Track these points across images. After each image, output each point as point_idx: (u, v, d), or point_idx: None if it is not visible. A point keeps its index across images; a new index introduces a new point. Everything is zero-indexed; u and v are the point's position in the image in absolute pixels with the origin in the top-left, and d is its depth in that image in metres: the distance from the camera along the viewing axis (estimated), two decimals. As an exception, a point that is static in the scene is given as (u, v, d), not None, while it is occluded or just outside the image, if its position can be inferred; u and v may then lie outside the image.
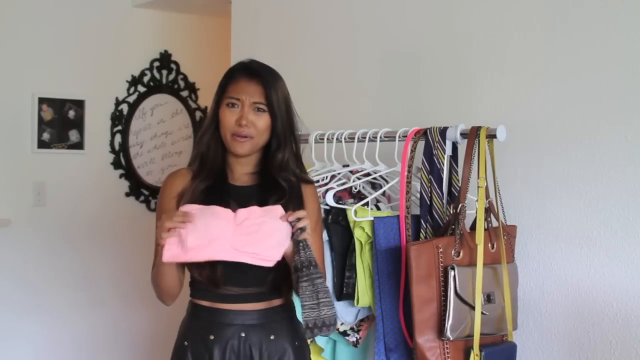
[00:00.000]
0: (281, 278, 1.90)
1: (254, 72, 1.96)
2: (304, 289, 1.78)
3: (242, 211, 1.82)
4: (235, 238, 1.79)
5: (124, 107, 4.23)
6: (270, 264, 1.82)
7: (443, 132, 2.11)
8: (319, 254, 1.97)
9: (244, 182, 2.00)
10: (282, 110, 1.95)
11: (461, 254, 1.99)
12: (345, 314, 2.22)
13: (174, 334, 2.01)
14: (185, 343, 1.95)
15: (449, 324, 1.91)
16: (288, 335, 1.95)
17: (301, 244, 1.80)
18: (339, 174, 2.34)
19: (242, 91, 1.93)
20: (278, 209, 1.85)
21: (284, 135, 1.97)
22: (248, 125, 1.92)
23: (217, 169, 1.97)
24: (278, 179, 1.96)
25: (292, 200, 1.94)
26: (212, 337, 1.91)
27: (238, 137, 1.93)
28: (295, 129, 2.00)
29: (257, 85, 1.94)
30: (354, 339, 2.23)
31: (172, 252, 1.79)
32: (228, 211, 1.82)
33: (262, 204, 1.90)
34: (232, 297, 1.92)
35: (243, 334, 1.91)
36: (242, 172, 2.00)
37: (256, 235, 1.80)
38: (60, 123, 3.96)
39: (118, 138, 4.21)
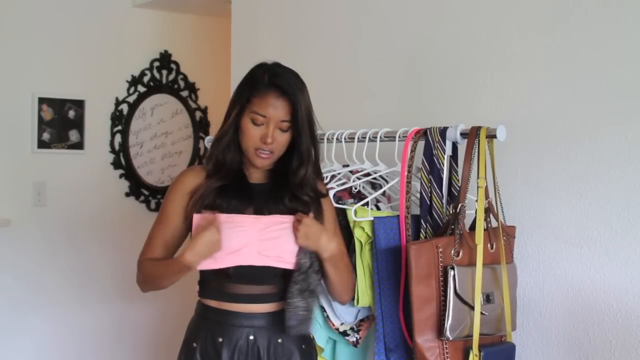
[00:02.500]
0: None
1: (282, 88, 1.89)
2: (294, 290, 1.89)
3: (265, 219, 1.90)
4: (260, 243, 1.90)
5: (124, 107, 4.23)
6: (293, 267, 1.93)
7: (443, 132, 2.11)
8: (342, 255, 2.02)
9: (259, 179, 2.01)
10: (306, 127, 1.92)
11: (461, 254, 1.99)
12: (345, 313, 2.22)
13: (177, 331, 2.02)
14: (194, 345, 1.95)
15: (448, 323, 1.91)
16: (295, 338, 1.96)
17: (300, 250, 1.92)
18: (339, 174, 2.34)
19: (270, 107, 1.88)
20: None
21: (307, 152, 1.95)
22: (272, 142, 1.91)
23: (233, 170, 1.97)
24: (297, 193, 1.96)
25: (307, 210, 1.97)
26: (220, 340, 1.92)
27: (261, 154, 1.92)
28: (316, 141, 1.97)
29: (284, 102, 1.88)
30: (354, 339, 2.23)
31: (204, 262, 1.88)
32: (251, 218, 1.90)
33: (278, 201, 1.95)
34: (241, 297, 1.92)
35: (252, 337, 1.92)
36: (258, 170, 2.01)
37: (278, 240, 1.90)
38: (60, 123, 3.96)
39: (118, 138, 4.21)
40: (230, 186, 1.95)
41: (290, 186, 1.96)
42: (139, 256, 2.01)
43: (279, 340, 1.94)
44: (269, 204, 1.95)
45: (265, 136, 1.89)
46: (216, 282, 1.95)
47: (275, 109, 1.88)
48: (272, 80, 1.89)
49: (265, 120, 1.89)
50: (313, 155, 1.97)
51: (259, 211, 1.94)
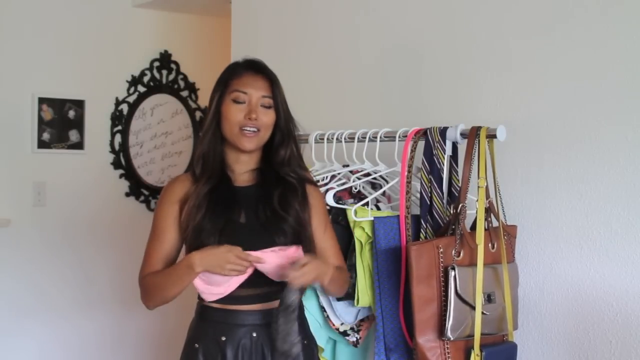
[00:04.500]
0: None
1: (258, 67, 1.98)
2: (279, 325, 1.86)
3: (287, 253, 1.88)
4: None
5: (124, 107, 4.22)
6: None
7: (443, 132, 2.11)
8: (335, 251, 2.04)
9: (245, 181, 2.00)
10: (285, 108, 1.98)
11: (461, 254, 1.99)
12: (345, 314, 2.22)
13: (178, 332, 2.02)
14: (196, 346, 1.94)
15: (449, 324, 1.92)
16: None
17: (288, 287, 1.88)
18: (339, 174, 2.34)
19: (249, 85, 1.94)
20: (292, 251, 1.90)
21: (287, 131, 1.98)
22: (257, 119, 1.92)
23: (218, 169, 1.97)
24: (281, 173, 1.97)
25: (295, 197, 1.96)
26: (223, 339, 1.92)
27: (247, 132, 1.93)
28: (295, 128, 2.02)
29: (263, 80, 1.96)
30: (354, 339, 2.23)
31: (214, 294, 1.91)
32: (273, 256, 1.88)
33: (265, 202, 1.94)
34: (242, 298, 1.92)
35: (255, 334, 1.92)
36: (242, 171, 2.00)
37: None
38: (60, 123, 3.96)
39: (118, 138, 4.21)
40: (219, 190, 1.94)
41: (274, 167, 1.98)
42: (139, 274, 2.01)
43: None
44: (259, 207, 1.95)
45: (250, 112, 1.92)
46: None
47: (256, 85, 1.95)
48: (247, 63, 2.00)
49: (247, 97, 1.94)
50: (293, 139, 2.00)
51: (250, 216, 1.94)
